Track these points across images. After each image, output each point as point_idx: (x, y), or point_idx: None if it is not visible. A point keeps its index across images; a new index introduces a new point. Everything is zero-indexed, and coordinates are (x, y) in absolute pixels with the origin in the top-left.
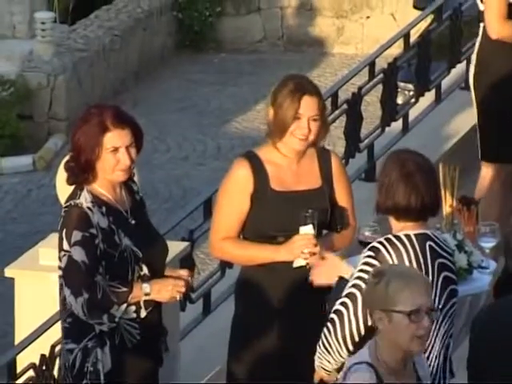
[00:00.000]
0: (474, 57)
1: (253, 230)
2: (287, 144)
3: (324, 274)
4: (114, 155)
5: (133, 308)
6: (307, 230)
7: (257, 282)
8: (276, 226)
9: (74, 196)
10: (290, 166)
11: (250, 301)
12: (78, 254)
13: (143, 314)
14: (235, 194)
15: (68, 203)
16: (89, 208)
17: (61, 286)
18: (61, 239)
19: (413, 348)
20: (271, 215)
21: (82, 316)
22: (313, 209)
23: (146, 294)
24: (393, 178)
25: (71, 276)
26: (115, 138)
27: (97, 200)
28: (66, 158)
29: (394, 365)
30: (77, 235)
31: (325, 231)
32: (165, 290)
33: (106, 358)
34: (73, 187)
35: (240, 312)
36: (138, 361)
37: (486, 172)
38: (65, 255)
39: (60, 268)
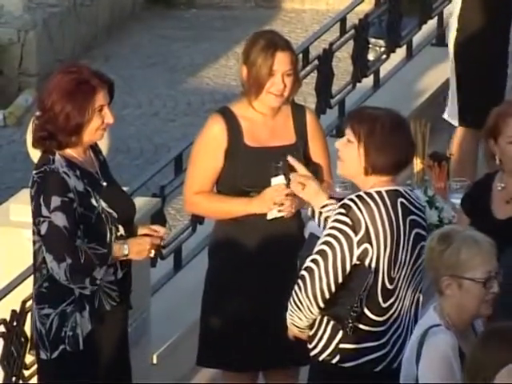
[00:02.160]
0: (454, 20)
1: (226, 184)
2: (263, 101)
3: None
4: (100, 114)
5: (111, 270)
6: (278, 181)
7: (231, 236)
8: (249, 182)
9: (47, 161)
10: (264, 122)
11: (224, 256)
12: (60, 220)
13: (120, 274)
14: (209, 149)
15: (42, 168)
16: (65, 172)
17: (36, 251)
18: (38, 205)
19: (481, 312)
20: (244, 170)
21: (64, 281)
22: (284, 161)
23: (125, 255)
24: (379, 136)
25: (53, 242)
26: (101, 97)
27: (70, 164)
28: (34, 126)
29: (462, 327)
30: (56, 201)
31: None
32: (143, 250)
33: (85, 322)
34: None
35: (214, 267)
36: (115, 322)
37: (463, 134)
38: (44, 221)
39: (39, 234)
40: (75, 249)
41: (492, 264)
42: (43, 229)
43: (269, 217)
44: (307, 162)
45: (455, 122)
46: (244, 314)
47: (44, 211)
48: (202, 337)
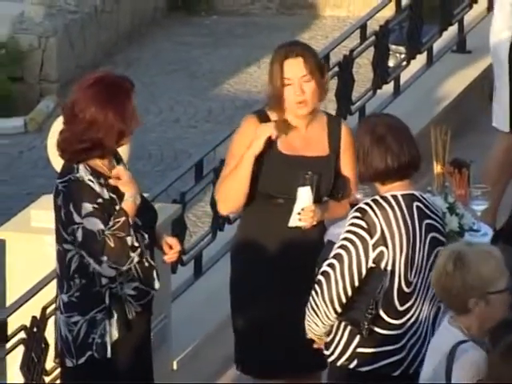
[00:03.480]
0: (508, 29)
1: (256, 188)
2: (291, 113)
3: None
4: (133, 116)
5: (132, 284)
6: (305, 193)
7: (253, 242)
8: (277, 188)
9: (71, 170)
10: (298, 130)
11: (247, 261)
12: (93, 224)
13: (157, 285)
14: (242, 149)
15: (67, 177)
16: (90, 180)
17: (68, 261)
18: (69, 214)
19: (505, 316)
20: (275, 176)
21: (113, 273)
22: (314, 172)
23: (134, 202)
24: (366, 145)
25: (90, 246)
26: (133, 99)
27: (94, 172)
28: (66, 140)
29: (480, 337)
30: (87, 207)
31: (325, 198)
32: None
33: (113, 329)
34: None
35: (236, 271)
36: (139, 330)
37: (506, 143)
38: (79, 227)
39: (74, 242)
40: (105, 243)
41: (508, 269)
42: (79, 235)
43: (290, 224)
44: (337, 174)
45: (505, 129)
46: (264, 319)
47: (76, 218)
48: (236, 342)
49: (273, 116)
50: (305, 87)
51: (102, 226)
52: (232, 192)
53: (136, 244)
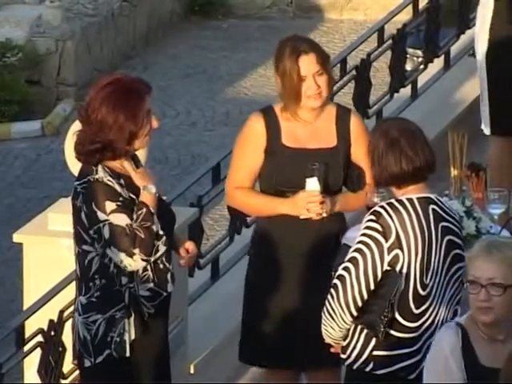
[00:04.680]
0: (484, 31)
1: (266, 183)
2: (304, 106)
3: None
4: (148, 119)
5: (147, 285)
6: (312, 183)
7: (271, 233)
8: (285, 182)
9: (90, 171)
10: (307, 122)
11: (263, 252)
12: (121, 219)
13: (170, 288)
14: (247, 147)
15: (86, 179)
16: (109, 181)
17: (89, 262)
18: (93, 213)
19: (478, 317)
20: (280, 170)
21: (143, 265)
22: (320, 163)
23: (151, 193)
24: (381, 149)
25: (120, 240)
26: (148, 102)
27: (113, 173)
28: (79, 141)
29: (488, 331)
30: (110, 205)
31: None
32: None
33: (131, 328)
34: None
35: (252, 263)
36: (157, 331)
37: (497, 146)
38: (105, 225)
39: (93, 244)
40: (135, 235)
41: (485, 272)
42: (106, 232)
43: (302, 216)
44: (348, 165)
45: (487, 132)
46: (277, 313)
47: (101, 216)
48: (242, 331)
49: (280, 111)
50: (319, 81)
51: (129, 221)
52: (243, 209)
53: (161, 232)
